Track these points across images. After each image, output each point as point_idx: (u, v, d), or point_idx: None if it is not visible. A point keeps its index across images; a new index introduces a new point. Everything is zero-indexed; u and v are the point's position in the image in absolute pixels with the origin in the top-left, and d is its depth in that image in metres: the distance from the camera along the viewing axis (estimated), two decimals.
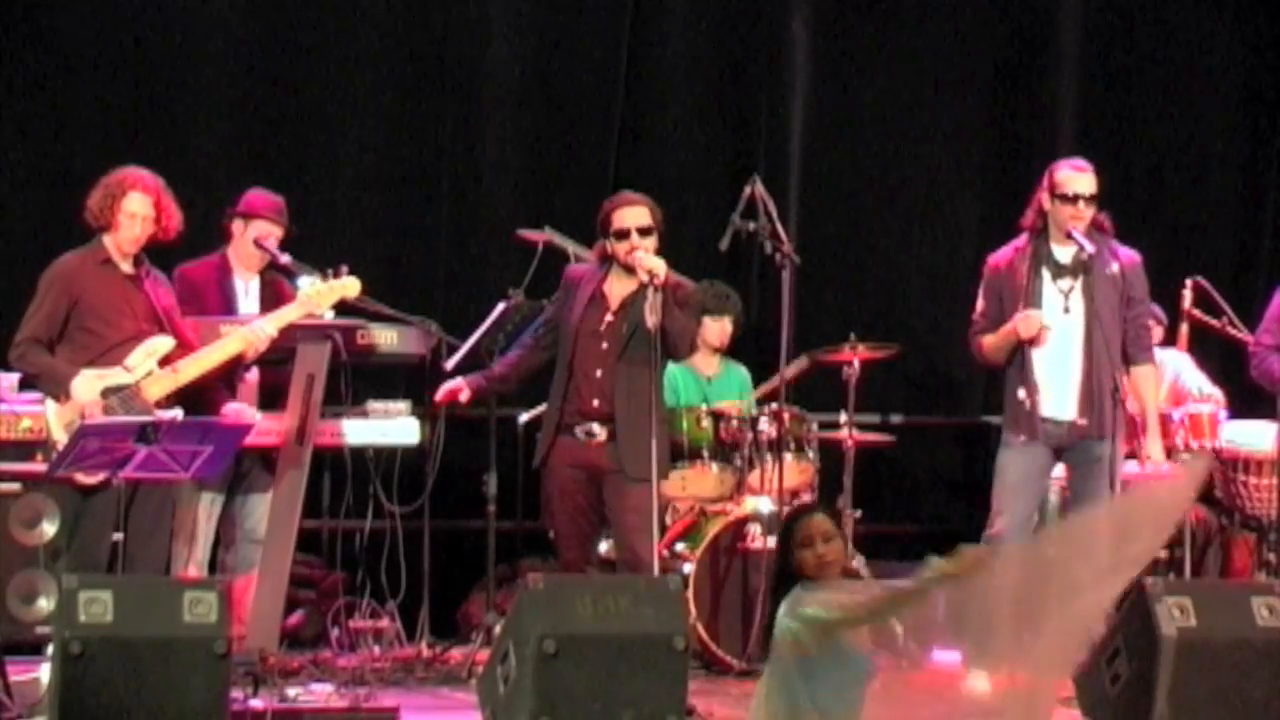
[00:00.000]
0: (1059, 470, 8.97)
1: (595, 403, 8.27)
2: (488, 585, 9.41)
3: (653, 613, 7.04)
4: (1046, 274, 8.72)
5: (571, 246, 9.45)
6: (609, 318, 8.32)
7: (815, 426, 9.79)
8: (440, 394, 8.69)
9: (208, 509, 8.82)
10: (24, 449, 8.56)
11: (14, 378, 8.61)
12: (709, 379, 9.86)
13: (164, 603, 6.81)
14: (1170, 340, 10.18)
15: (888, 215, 11.57)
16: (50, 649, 7.06)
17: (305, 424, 8.66)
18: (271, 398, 8.79)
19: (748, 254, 10.09)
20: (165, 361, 8.27)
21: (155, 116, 10.33)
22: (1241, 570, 10.06)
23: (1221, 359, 10.43)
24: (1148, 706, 7.02)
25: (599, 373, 8.29)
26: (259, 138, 10.54)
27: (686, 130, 11.23)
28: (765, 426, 9.49)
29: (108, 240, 8.36)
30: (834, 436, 9.89)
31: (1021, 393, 8.66)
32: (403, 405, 9.00)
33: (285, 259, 8.88)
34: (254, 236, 8.93)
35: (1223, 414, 9.87)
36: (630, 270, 8.27)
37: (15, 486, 8.58)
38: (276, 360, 8.70)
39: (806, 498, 9.59)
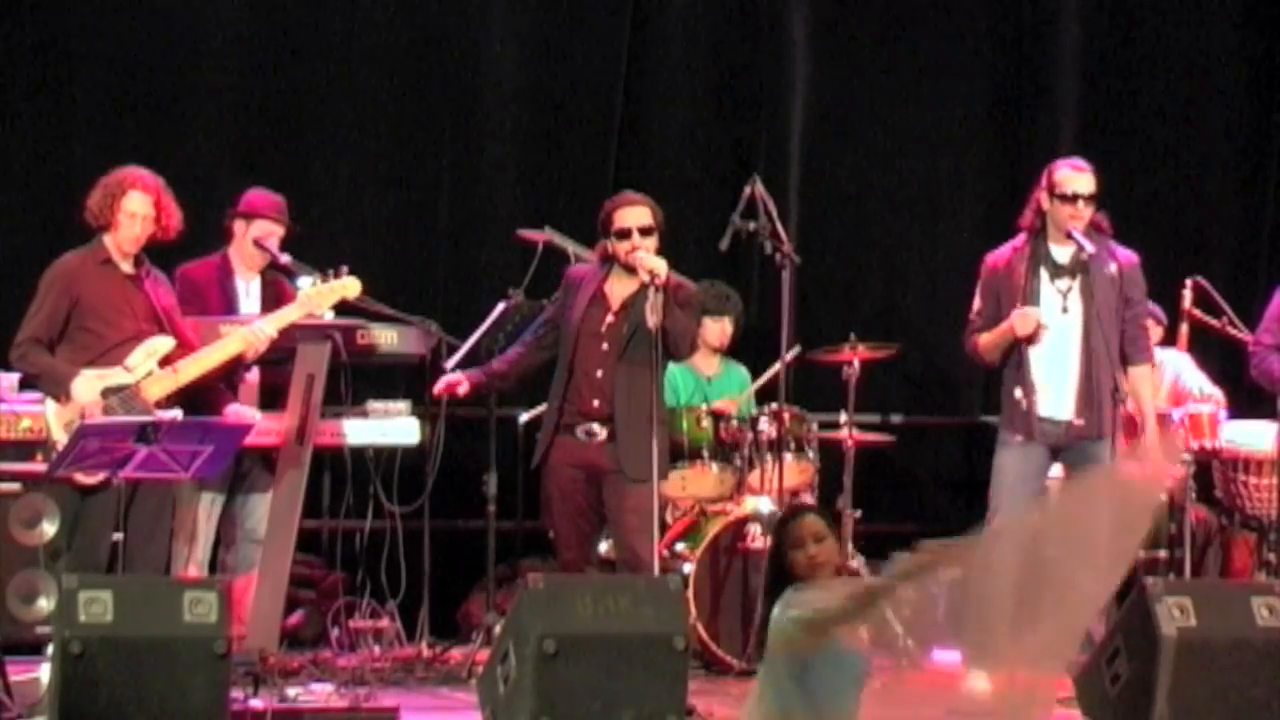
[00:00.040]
0: (1056, 469, 8.96)
1: (595, 403, 8.28)
2: (488, 585, 9.41)
3: (653, 613, 7.04)
4: (1045, 274, 8.72)
5: (571, 246, 9.44)
6: (610, 318, 8.32)
7: (815, 426, 9.79)
8: (439, 386, 8.70)
9: (208, 509, 8.82)
10: (24, 449, 8.56)
11: (14, 378, 8.61)
12: (709, 379, 9.87)
13: (164, 603, 6.81)
14: (1170, 340, 10.18)
15: (888, 215, 11.57)
16: (50, 649, 7.05)
17: (305, 424, 8.66)
18: (271, 398, 8.80)
19: (748, 254, 10.09)
20: (165, 361, 8.27)
21: (155, 116, 10.33)
22: (1241, 570, 10.06)
23: (1221, 359, 10.43)
24: (1148, 706, 7.02)
25: (599, 373, 8.29)
26: (259, 138, 10.54)
27: (686, 130, 11.23)
28: (765, 426, 9.49)
29: (108, 240, 8.36)
30: (834, 436, 9.89)
31: (1018, 392, 8.66)
32: (403, 405, 9.01)
33: (285, 259, 8.88)
34: (255, 236, 8.94)
35: (1223, 414, 9.87)
36: (631, 270, 8.27)
37: (15, 486, 8.59)
38: (276, 360, 8.71)
39: (806, 498, 9.59)
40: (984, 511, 8.76)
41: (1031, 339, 8.65)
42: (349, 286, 8.62)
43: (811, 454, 9.70)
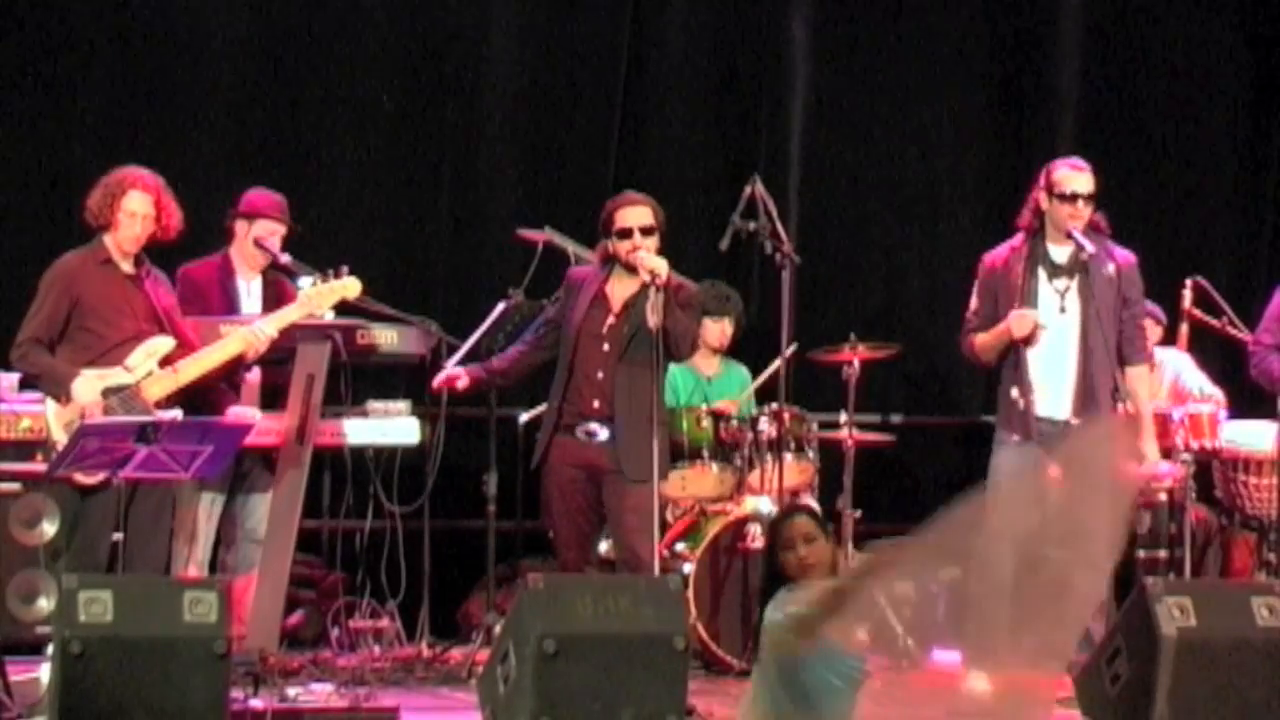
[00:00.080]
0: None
1: (596, 404, 8.28)
2: (488, 585, 9.41)
3: (653, 613, 7.04)
4: (1043, 273, 8.72)
5: (571, 246, 9.45)
6: (611, 319, 8.32)
7: (815, 426, 9.79)
8: (438, 380, 8.70)
9: (208, 509, 8.82)
10: (24, 449, 8.57)
11: (14, 378, 8.61)
12: (709, 379, 9.87)
13: (164, 603, 6.81)
14: (1170, 340, 10.18)
15: (888, 215, 11.57)
16: (50, 649, 7.05)
17: (305, 424, 8.66)
18: (272, 398, 8.80)
19: (748, 254, 10.09)
20: (166, 362, 8.27)
21: (155, 116, 10.33)
22: (1241, 570, 10.05)
23: (1221, 359, 10.42)
24: (1148, 706, 7.01)
25: (600, 374, 8.29)
26: (259, 137, 10.54)
27: (686, 130, 11.23)
28: (765, 426, 9.49)
29: (108, 240, 8.36)
30: (834, 436, 9.89)
31: (1015, 392, 8.66)
32: (403, 405, 9.01)
33: (285, 259, 8.89)
34: (257, 236, 8.94)
35: (1223, 414, 9.86)
36: (632, 270, 8.27)
37: (15, 486, 8.59)
38: (277, 360, 8.71)
39: (807, 498, 9.59)
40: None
41: (1028, 341, 8.65)
42: (349, 286, 8.62)
43: (811, 454, 9.70)
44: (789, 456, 9.49)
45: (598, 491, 8.29)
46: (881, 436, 10.48)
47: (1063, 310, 8.68)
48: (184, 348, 8.34)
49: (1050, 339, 8.66)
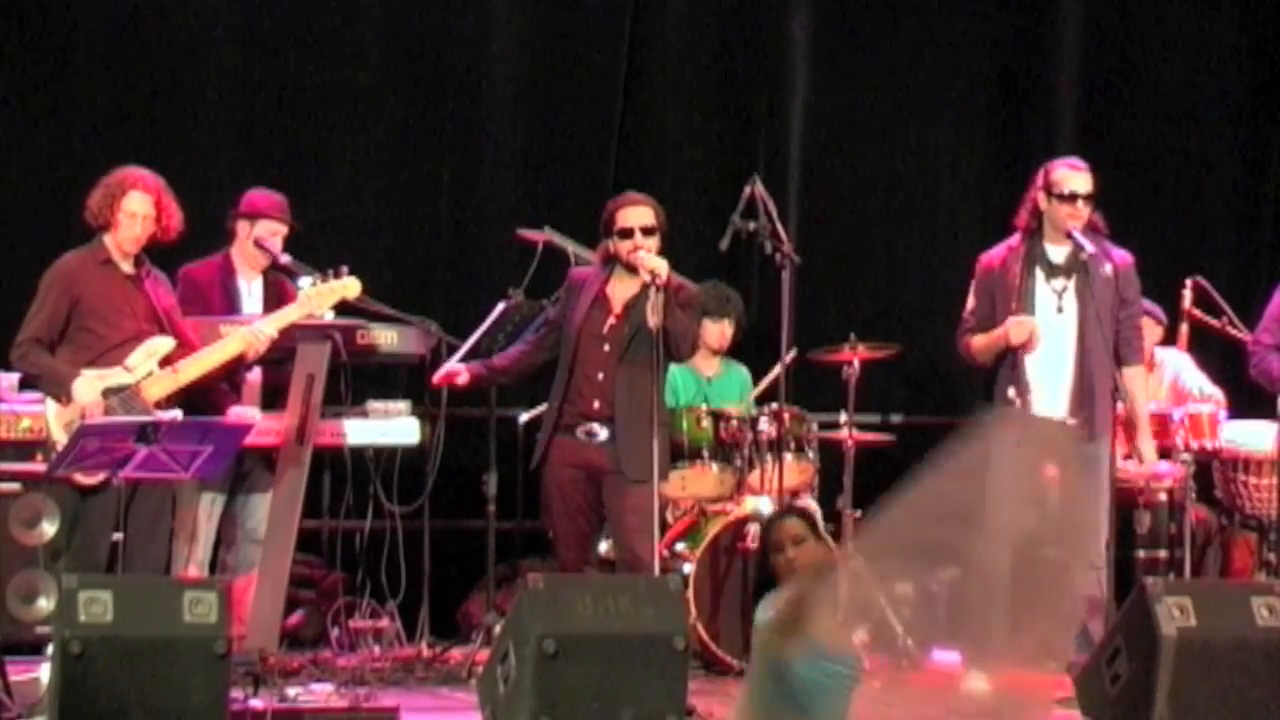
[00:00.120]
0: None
1: (596, 404, 8.28)
2: (488, 585, 9.41)
3: (653, 613, 7.04)
4: (1040, 273, 8.72)
5: (571, 247, 9.44)
6: (612, 320, 8.33)
7: (815, 426, 9.79)
8: (438, 376, 8.72)
9: (208, 509, 8.83)
10: (24, 449, 8.57)
11: (14, 378, 8.61)
12: (709, 379, 9.87)
13: (164, 603, 6.81)
14: (1170, 340, 10.18)
15: (888, 215, 11.57)
16: (50, 649, 7.05)
17: (305, 424, 8.66)
18: (272, 398, 8.80)
19: (748, 254, 10.09)
20: (166, 362, 8.27)
21: (155, 116, 10.33)
22: (1241, 570, 10.05)
23: (1221, 359, 10.42)
24: (1148, 706, 7.01)
25: (601, 375, 8.29)
26: (259, 137, 10.54)
27: (686, 130, 11.23)
28: (765, 426, 9.49)
29: (108, 240, 8.36)
30: (834, 436, 9.88)
31: (1011, 391, 8.65)
32: (403, 405, 9.01)
33: (285, 259, 8.89)
34: (259, 236, 8.94)
35: (1223, 414, 9.87)
36: (633, 271, 8.28)
37: (15, 486, 8.60)
38: (277, 360, 8.71)
39: (806, 498, 9.59)
40: None
41: (1025, 347, 8.64)
42: (349, 286, 8.62)
43: (811, 454, 9.70)
44: (789, 456, 9.49)
45: (597, 491, 8.29)
46: (881, 436, 10.47)
47: (1060, 310, 8.68)
48: (184, 348, 8.35)
49: (1047, 339, 8.66)
